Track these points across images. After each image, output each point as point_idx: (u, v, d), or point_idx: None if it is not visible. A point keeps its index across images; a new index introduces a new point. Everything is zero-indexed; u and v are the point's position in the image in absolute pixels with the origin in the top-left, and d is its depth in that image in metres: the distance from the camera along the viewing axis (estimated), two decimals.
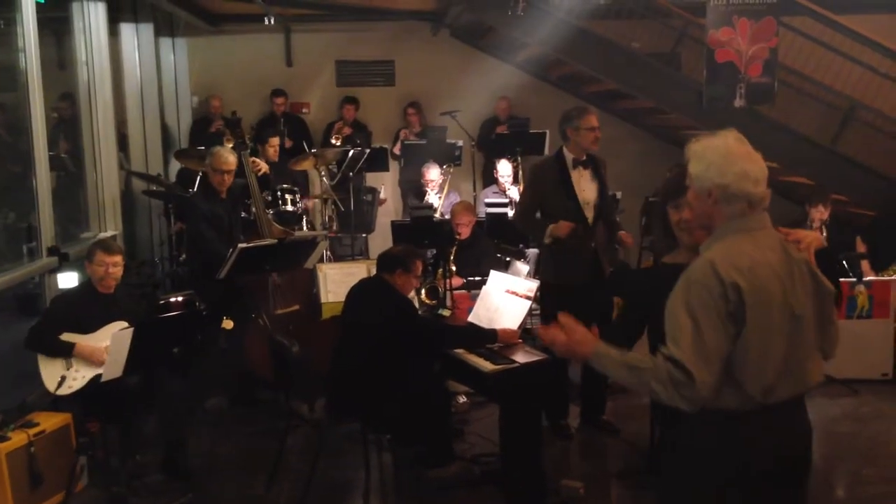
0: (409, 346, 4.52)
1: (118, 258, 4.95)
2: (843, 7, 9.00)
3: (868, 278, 6.41)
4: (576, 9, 8.15)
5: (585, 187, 5.25)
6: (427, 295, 5.95)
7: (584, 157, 5.28)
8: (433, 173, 8.05)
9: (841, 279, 6.41)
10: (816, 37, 8.01)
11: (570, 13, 8.01)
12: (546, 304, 5.39)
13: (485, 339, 4.70)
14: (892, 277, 6.38)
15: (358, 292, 4.74)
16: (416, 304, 5.54)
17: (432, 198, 8.01)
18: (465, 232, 6.57)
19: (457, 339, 4.79)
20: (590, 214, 5.25)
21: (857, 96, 8.06)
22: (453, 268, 6.26)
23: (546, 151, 8.41)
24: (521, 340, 4.80)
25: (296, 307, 5.92)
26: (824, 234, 6.89)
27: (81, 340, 4.74)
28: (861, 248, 7.01)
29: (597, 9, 8.23)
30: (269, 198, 6.87)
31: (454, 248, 6.31)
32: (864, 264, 6.75)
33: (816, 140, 7.92)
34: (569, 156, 5.27)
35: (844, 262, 6.75)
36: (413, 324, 4.60)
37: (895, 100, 8.20)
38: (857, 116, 8.10)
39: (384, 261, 4.71)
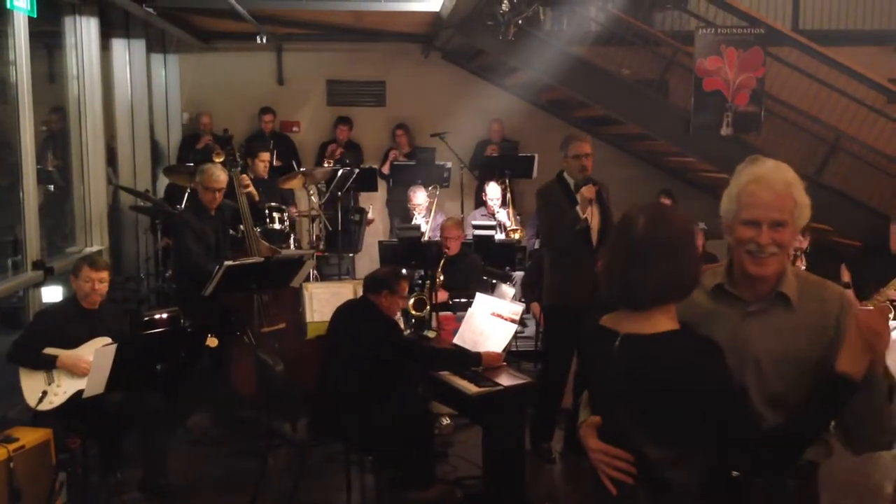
0: (393, 368, 4.52)
1: (105, 274, 4.94)
2: (830, 39, 9.13)
3: None
4: (566, 35, 8.23)
5: (591, 214, 5.27)
6: (414, 306, 5.99)
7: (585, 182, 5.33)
8: (420, 197, 8.10)
9: None
10: (803, 68, 8.10)
11: (561, 39, 8.09)
12: (550, 327, 5.52)
13: (469, 362, 4.71)
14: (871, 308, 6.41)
15: (343, 313, 4.74)
16: (404, 316, 5.58)
17: (419, 220, 8.04)
18: (454, 247, 6.62)
19: (441, 361, 4.80)
20: (593, 238, 5.29)
21: (843, 127, 8.14)
22: (441, 277, 6.29)
23: (534, 175, 8.46)
24: (505, 363, 4.82)
25: (282, 325, 5.91)
26: (803, 262, 6.94)
27: (64, 354, 4.72)
28: (846, 276, 7.06)
29: (587, 35, 8.31)
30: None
31: (442, 262, 6.35)
32: (849, 294, 6.80)
33: (802, 170, 7.95)
34: (570, 180, 5.32)
35: None
36: (398, 345, 4.61)
37: (880, 131, 8.29)
38: (843, 147, 8.17)
39: (370, 282, 4.72)
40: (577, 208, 5.15)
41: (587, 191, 5.14)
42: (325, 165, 8.99)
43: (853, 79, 8.04)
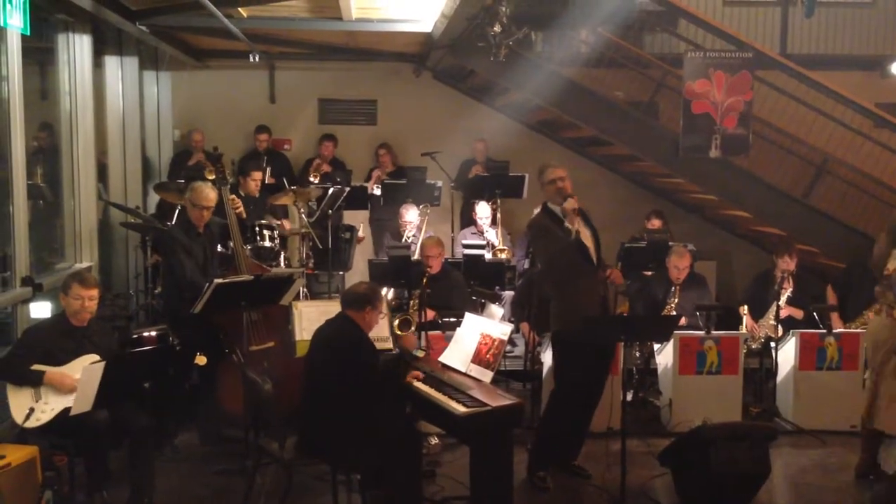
0: (367, 383, 4.53)
1: (94, 292, 4.93)
2: (817, 63, 9.23)
3: (838, 330, 6.48)
4: (557, 57, 8.30)
5: (583, 235, 5.30)
6: (399, 326, 6.02)
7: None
8: (411, 214, 8.10)
9: (811, 330, 6.52)
10: (791, 91, 8.19)
11: (551, 61, 8.16)
12: (562, 356, 5.37)
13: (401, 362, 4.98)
14: (860, 330, 6.47)
15: (324, 332, 4.72)
16: (389, 334, 5.69)
17: (409, 238, 8.05)
18: (435, 265, 6.60)
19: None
20: (592, 257, 5.31)
21: (830, 151, 8.22)
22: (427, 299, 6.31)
23: (525, 195, 8.50)
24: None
25: (270, 344, 5.90)
26: (790, 284, 6.98)
27: (51, 370, 4.71)
28: (832, 299, 7.10)
29: (577, 57, 8.38)
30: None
31: (424, 282, 6.35)
32: (834, 317, 6.84)
33: (789, 192, 8.07)
34: (554, 208, 5.35)
35: (815, 314, 6.83)
36: (373, 361, 4.64)
37: (866, 155, 8.38)
38: (830, 170, 8.25)
39: (353, 299, 4.71)
40: (566, 222, 5.19)
41: (569, 203, 5.19)
42: (311, 179, 9.01)
43: (840, 103, 8.13)
